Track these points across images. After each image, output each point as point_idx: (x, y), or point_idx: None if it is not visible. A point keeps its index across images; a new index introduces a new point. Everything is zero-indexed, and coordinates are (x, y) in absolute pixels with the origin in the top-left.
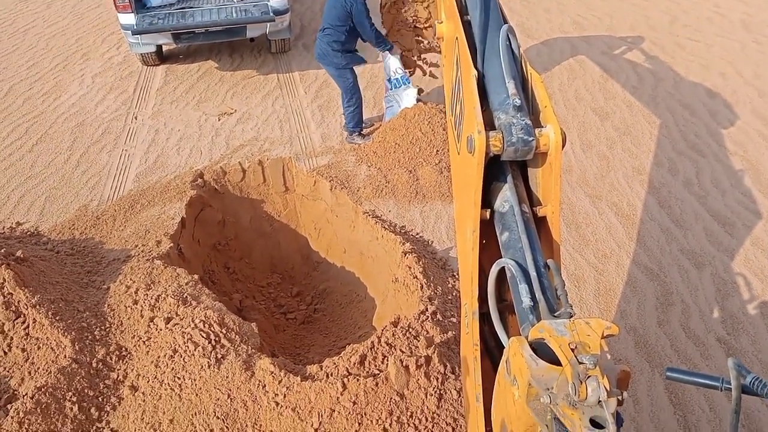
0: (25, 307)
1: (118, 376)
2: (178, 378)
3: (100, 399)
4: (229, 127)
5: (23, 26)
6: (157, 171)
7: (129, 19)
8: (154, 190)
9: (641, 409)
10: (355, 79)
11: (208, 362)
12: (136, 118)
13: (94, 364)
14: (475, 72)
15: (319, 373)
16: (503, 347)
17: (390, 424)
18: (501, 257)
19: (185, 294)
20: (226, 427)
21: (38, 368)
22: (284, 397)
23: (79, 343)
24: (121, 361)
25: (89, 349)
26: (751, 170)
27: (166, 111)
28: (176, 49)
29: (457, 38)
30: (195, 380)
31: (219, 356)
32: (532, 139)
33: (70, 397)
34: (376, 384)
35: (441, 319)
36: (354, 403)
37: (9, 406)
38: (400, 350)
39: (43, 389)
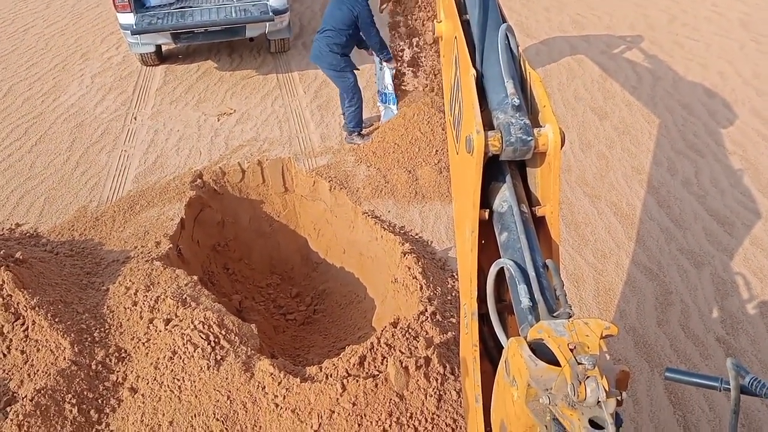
0: (25, 308)
1: (117, 378)
2: (178, 379)
3: (99, 401)
4: (229, 128)
5: (22, 26)
6: (157, 172)
7: (128, 18)
8: (153, 190)
9: (641, 409)
10: (355, 79)
11: (208, 364)
12: (135, 119)
13: (94, 366)
14: (474, 71)
15: (318, 375)
16: (502, 348)
17: (390, 425)
18: (500, 257)
19: (185, 295)
20: (226, 429)
21: (38, 370)
22: (284, 398)
23: (78, 345)
24: (120, 362)
25: (88, 351)
26: (750, 169)
27: (165, 111)
28: (175, 49)
29: (455, 37)
30: (194, 382)
31: (218, 357)
32: (531, 139)
33: (70, 400)
34: (376, 385)
35: (440, 319)
36: (353, 404)
37: (8, 409)
38: (400, 351)
39: (42, 391)
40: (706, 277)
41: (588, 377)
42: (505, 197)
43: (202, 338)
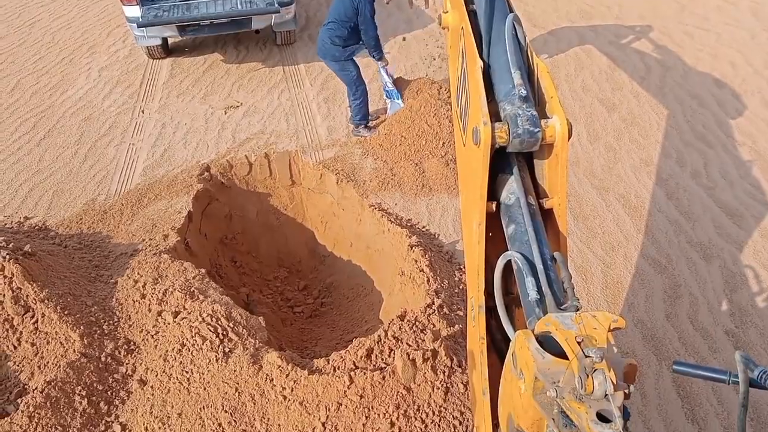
0: (34, 301)
1: (126, 370)
2: (186, 372)
3: (109, 393)
4: (236, 121)
5: (29, 19)
6: (164, 165)
7: (134, 11)
8: (161, 184)
9: (649, 402)
10: (358, 72)
11: (216, 356)
12: (142, 112)
13: (103, 359)
14: (481, 62)
15: (326, 367)
16: (510, 341)
17: (397, 418)
18: (507, 250)
19: (192, 288)
20: (234, 421)
21: (47, 362)
22: (292, 390)
23: (87, 338)
24: (129, 355)
25: (98, 344)
26: (759, 161)
27: (172, 104)
28: (182, 42)
29: (462, 28)
30: (203, 374)
31: (227, 350)
32: (538, 131)
33: (80, 392)
34: (383, 377)
35: (447, 312)
36: (361, 396)
37: (19, 400)
38: (407, 344)
39: (52, 383)
40: (715, 269)
41: (595, 370)
42: (512, 189)
43: (210, 331)
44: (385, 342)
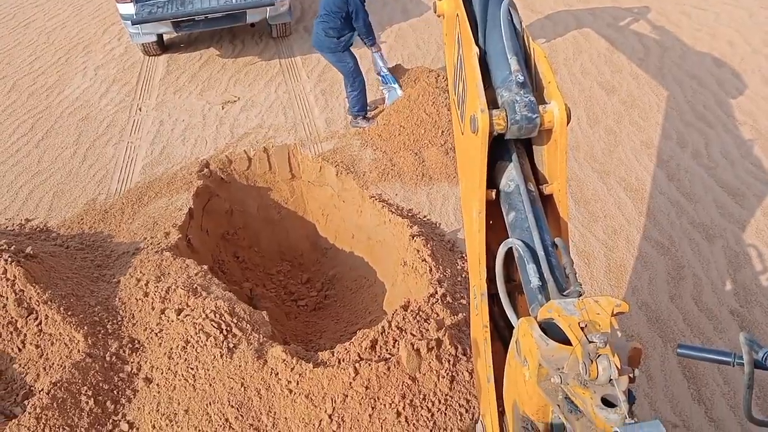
0: (37, 303)
1: (132, 369)
2: (192, 368)
3: (115, 392)
4: (233, 116)
5: (24, 20)
6: (163, 162)
7: (128, 9)
8: (160, 181)
9: (655, 385)
10: (355, 63)
11: (221, 352)
12: (140, 110)
13: (108, 358)
14: (477, 49)
15: (331, 359)
16: (513, 328)
17: (403, 408)
18: (508, 237)
19: (195, 285)
20: (241, 416)
21: (53, 364)
22: (297, 384)
23: (92, 338)
24: (134, 353)
25: (102, 343)
26: (760, 140)
27: (169, 101)
28: (177, 38)
29: (457, 15)
30: (208, 370)
31: (231, 345)
32: (536, 116)
33: (86, 392)
34: (388, 368)
35: (451, 301)
36: (366, 387)
37: (26, 402)
38: (411, 334)
39: (58, 384)
40: (718, 249)
41: (599, 355)
42: (511, 176)
43: (214, 327)
44: (389, 333)
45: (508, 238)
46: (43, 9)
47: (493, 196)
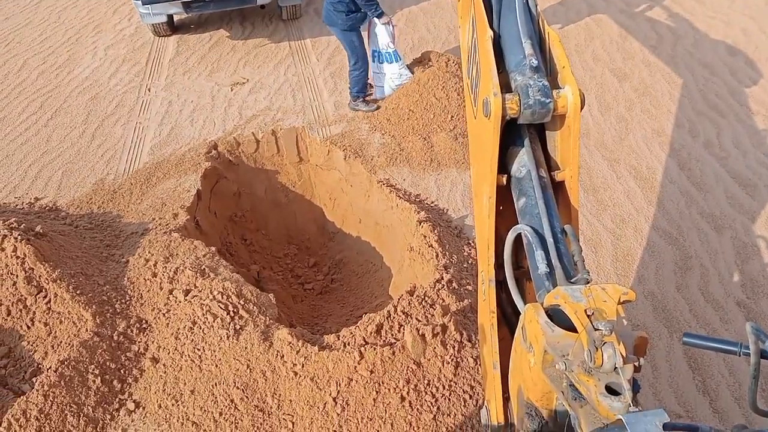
0: (46, 281)
1: (139, 349)
2: (198, 349)
3: (122, 371)
4: (242, 97)
5: None
6: (172, 143)
7: None
8: (169, 162)
9: (660, 375)
10: (361, 43)
11: (227, 333)
12: (149, 90)
13: (116, 337)
14: (491, 33)
15: (336, 343)
16: (520, 314)
17: (407, 392)
18: (518, 223)
19: (203, 266)
20: (246, 397)
21: (61, 342)
22: (302, 366)
23: (100, 317)
24: (141, 333)
25: (110, 323)
26: None
27: (178, 82)
28: (187, 19)
29: None
30: (214, 351)
31: (237, 327)
32: (550, 101)
33: (93, 370)
34: (393, 353)
35: (457, 287)
36: (371, 371)
37: (34, 380)
38: (417, 319)
39: (66, 362)
40: (726, 240)
41: (605, 343)
42: (523, 162)
43: (221, 308)
44: (394, 317)
45: (517, 224)
46: None
47: (504, 182)
